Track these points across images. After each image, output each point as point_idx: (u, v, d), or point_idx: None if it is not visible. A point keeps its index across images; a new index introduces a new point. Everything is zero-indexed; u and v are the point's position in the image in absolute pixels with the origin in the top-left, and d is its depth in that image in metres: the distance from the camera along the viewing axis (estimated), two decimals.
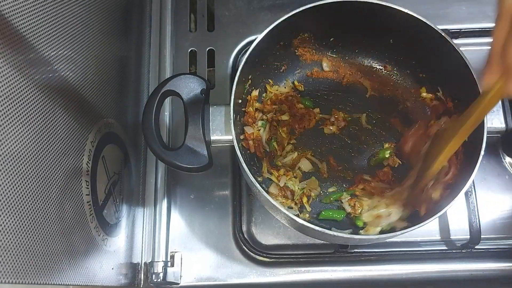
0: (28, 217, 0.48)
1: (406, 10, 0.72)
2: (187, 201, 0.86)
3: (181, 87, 0.71)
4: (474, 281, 0.81)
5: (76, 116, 0.61)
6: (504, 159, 0.86)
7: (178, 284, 0.81)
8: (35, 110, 0.51)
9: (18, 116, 0.47)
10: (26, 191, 0.48)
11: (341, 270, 0.81)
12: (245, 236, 0.82)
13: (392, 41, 0.81)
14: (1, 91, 0.45)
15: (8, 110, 0.46)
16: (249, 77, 0.79)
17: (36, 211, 0.49)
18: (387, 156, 0.79)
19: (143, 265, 0.81)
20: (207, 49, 0.94)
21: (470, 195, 0.79)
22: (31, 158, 0.49)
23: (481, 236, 0.78)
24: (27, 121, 0.49)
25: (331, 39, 0.84)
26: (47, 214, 0.52)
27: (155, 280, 0.79)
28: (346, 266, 0.81)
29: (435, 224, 0.83)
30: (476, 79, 0.69)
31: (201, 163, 0.69)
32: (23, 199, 0.47)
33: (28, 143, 0.49)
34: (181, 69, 0.93)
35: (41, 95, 0.52)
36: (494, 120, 0.72)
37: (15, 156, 0.46)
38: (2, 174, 0.44)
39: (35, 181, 0.50)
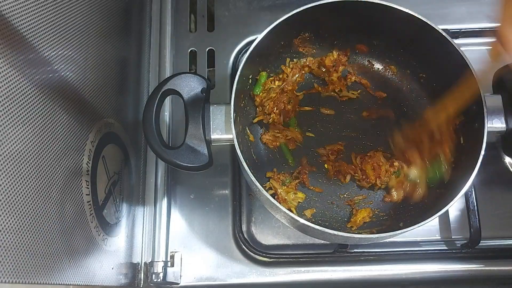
0: (28, 217, 0.47)
1: (406, 10, 0.72)
2: (187, 201, 0.86)
3: (181, 86, 0.71)
4: (474, 281, 0.81)
5: (76, 116, 0.61)
6: (504, 159, 0.86)
7: (178, 284, 0.81)
8: (35, 110, 0.51)
9: (18, 116, 0.47)
10: (26, 191, 0.48)
11: (341, 270, 0.81)
12: (245, 236, 0.82)
13: (393, 41, 0.81)
14: (1, 91, 0.45)
15: (8, 110, 0.46)
16: (250, 77, 0.79)
17: (36, 211, 0.49)
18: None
19: (143, 265, 0.81)
20: (207, 49, 0.94)
21: (470, 195, 0.79)
22: (31, 158, 0.49)
23: (481, 236, 0.78)
24: (27, 121, 0.49)
25: (332, 39, 0.84)
26: (47, 214, 0.52)
27: (155, 280, 0.79)
28: (346, 266, 0.81)
29: (435, 224, 0.83)
30: (476, 78, 0.69)
31: (202, 162, 0.69)
32: (23, 199, 0.47)
33: (28, 143, 0.49)
34: (181, 69, 0.93)
35: (41, 95, 0.52)
36: (495, 120, 0.72)
37: (15, 156, 0.46)
38: (2, 174, 0.44)
39: (35, 181, 0.50)
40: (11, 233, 0.44)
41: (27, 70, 0.49)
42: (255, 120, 0.81)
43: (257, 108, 0.82)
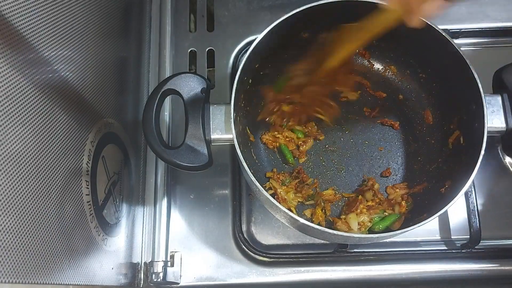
0: (28, 217, 0.47)
1: None
2: (187, 201, 0.86)
3: (181, 86, 0.71)
4: (474, 281, 0.81)
5: (76, 116, 0.61)
6: (504, 159, 0.86)
7: (178, 284, 0.81)
8: (35, 110, 0.51)
9: (18, 116, 0.47)
10: (26, 191, 0.48)
11: (341, 270, 0.81)
12: (245, 236, 0.82)
13: (392, 41, 0.81)
14: (1, 91, 0.45)
15: (8, 110, 0.46)
16: (250, 77, 0.79)
17: (36, 211, 0.49)
18: None
19: (143, 265, 0.81)
20: (207, 49, 0.94)
21: (470, 195, 0.79)
22: (31, 158, 0.49)
23: (481, 236, 0.78)
24: (27, 121, 0.49)
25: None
26: (47, 214, 0.52)
27: (155, 280, 0.79)
28: (346, 266, 0.81)
29: (435, 224, 0.83)
30: (476, 79, 0.69)
31: (201, 161, 0.69)
32: (23, 199, 0.47)
33: (28, 143, 0.49)
34: (181, 69, 0.93)
35: (41, 95, 0.52)
36: (495, 120, 0.72)
37: (15, 156, 0.46)
38: (2, 174, 0.44)
39: (35, 181, 0.50)
40: (11, 233, 0.44)
41: (27, 70, 0.49)
42: (259, 118, 0.81)
43: (262, 102, 0.81)
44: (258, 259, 0.82)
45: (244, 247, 0.82)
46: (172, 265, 0.81)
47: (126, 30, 0.83)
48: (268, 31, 0.72)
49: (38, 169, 0.51)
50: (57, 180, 0.55)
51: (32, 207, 0.49)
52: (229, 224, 0.84)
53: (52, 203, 0.53)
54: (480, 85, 0.69)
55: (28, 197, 0.48)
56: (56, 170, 0.54)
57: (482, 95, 0.69)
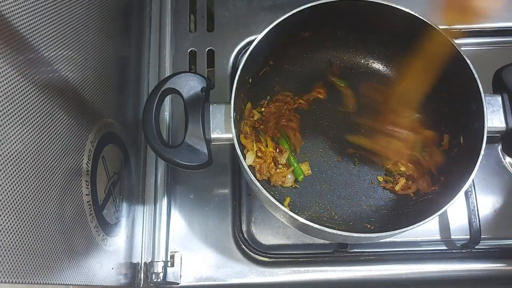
0: (28, 217, 0.48)
1: (406, 10, 0.72)
2: (187, 201, 0.86)
3: (181, 85, 0.71)
4: (474, 281, 0.81)
5: (76, 116, 0.61)
6: (504, 159, 0.86)
7: (178, 284, 0.81)
8: (35, 110, 0.51)
9: (18, 116, 0.47)
10: (26, 191, 0.48)
11: (341, 270, 0.81)
12: (245, 236, 0.82)
13: (392, 40, 0.81)
14: (1, 91, 0.45)
15: (8, 110, 0.46)
16: (250, 77, 0.79)
17: (36, 211, 0.49)
18: None
19: (143, 265, 0.81)
20: (207, 49, 0.94)
21: (470, 195, 0.79)
22: (31, 158, 0.49)
23: (481, 236, 0.78)
24: (27, 121, 0.49)
25: (332, 38, 0.84)
26: (47, 214, 0.52)
27: (155, 280, 0.79)
28: (346, 266, 0.81)
29: (435, 224, 0.83)
30: (476, 78, 0.69)
31: (201, 160, 0.69)
32: (23, 199, 0.47)
33: (28, 143, 0.49)
34: (181, 69, 0.93)
35: (41, 95, 0.52)
36: (494, 120, 0.72)
37: (15, 156, 0.46)
38: (2, 174, 0.44)
39: (35, 181, 0.50)
40: (11, 233, 0.44)
41: (27, 70, 0.49)
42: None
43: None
44: (258, 259, 0.82)
45: (244, 247, 0.82)
46: (172, 265, 0.81)
47: (126, 30, 0.83)
48: (268, 31, 0.72)
49: (38, 169, 0.51)
50: (57, 180, 0.55)
51: (32, 207, 0.49)
52: (229, 224, 0.84)
53: (52, 203, 0.53)
54: (480, 85, 0.69)
55: (28, 197, 0.48)
56: (56, 170, 0.54)
57: (482, 95, 0.69)
